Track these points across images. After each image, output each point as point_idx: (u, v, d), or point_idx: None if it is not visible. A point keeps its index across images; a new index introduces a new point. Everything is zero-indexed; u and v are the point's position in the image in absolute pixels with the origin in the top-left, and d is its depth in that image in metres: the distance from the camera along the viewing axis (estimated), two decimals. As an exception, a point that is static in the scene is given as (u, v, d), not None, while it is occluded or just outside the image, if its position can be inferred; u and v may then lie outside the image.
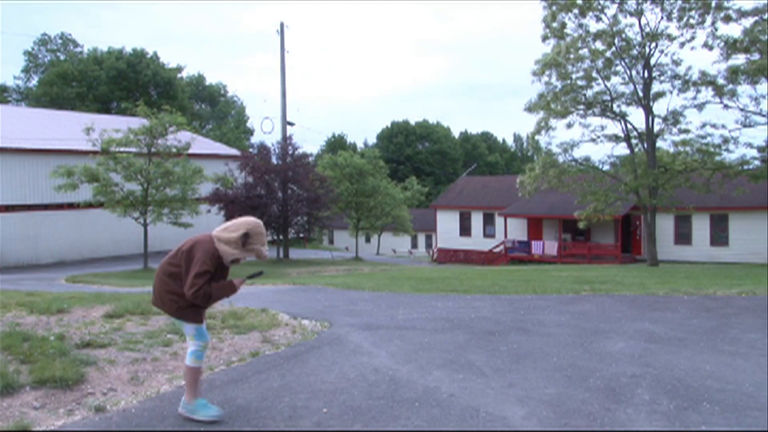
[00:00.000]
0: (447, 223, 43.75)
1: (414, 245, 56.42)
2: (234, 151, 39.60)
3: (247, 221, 4.58)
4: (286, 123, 34.99)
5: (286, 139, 33.19)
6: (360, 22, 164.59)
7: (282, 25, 36.11)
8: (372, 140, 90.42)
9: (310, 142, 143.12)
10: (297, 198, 30.73)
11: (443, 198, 46.71)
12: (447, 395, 4.99)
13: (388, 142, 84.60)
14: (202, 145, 35.90)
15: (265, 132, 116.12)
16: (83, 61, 62.14)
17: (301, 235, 37.87)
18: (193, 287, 4.29)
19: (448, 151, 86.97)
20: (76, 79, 59.38)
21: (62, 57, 64.49)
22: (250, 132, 73.99)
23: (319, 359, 6.29)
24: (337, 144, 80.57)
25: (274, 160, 32.02)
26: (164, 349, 6.53)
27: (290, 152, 32.06)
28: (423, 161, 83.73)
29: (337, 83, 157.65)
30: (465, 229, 42.99)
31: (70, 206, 27.61)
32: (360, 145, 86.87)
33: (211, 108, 73.79)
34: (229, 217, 31.95)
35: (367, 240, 54.53)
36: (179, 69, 67.54)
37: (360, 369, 5.87)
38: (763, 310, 8.74)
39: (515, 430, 4.26)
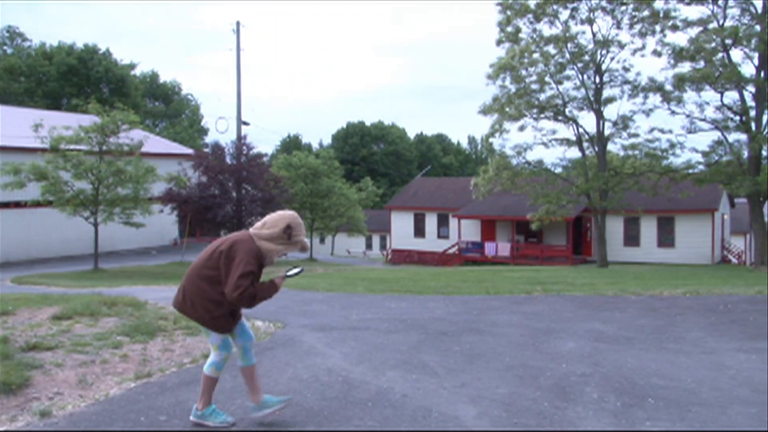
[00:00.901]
0: (401, 224, 43.94)
1: (368, 246, 56.47)
2: (188, 151, 39.04)
3: (284, 214, 4.46)
4: (241, 122, 34.66)
5: (240, 139, 32.89)
6: (317, 22, 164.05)
7: (238, 24, 35.77)
8: (327, 141, 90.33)
9: (265, 143, 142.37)
10: (251, 198, 30.46)
11: (398, 199, 46.89)
12: (400, 395, 5.03)
13: (343, 143, 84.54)
14: (155, 143, 35.32)
15: (219, 131, 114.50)
16: (32, 55, 60.44)
17: (256, 235, 37.54)
18: (238, 288, 4.09)
19: (403, 152, 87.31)
20: (24, 74, 57.68)
21: (9, 51, 62.64)
22: (205, 131, 72.97)
23: (272, 360, 6.26)
24: (292, 144, 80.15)
25: (228, 160, 31.68)
26: (114, 351, 6.41)
27: (245, 152, 31.77)
28: (378, 162, 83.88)
29: (293, 83, 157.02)
30: (419, 230, 43.25)
31: (17, 205, 26.81)
32: (315, 145, 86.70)
33: (165, 106, 72.48)
34: (182, 217, 31.55)
35: (322, 241, 54.36)
36: (132, 66, 66.20)
37: (313, 370, 5.88)
38: (706, 309, 9.02)
39: (467, 429, 4.32)
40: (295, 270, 4.50)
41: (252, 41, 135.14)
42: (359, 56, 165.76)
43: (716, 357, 6.22)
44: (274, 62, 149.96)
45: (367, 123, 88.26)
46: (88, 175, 23.18)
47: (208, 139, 68.11)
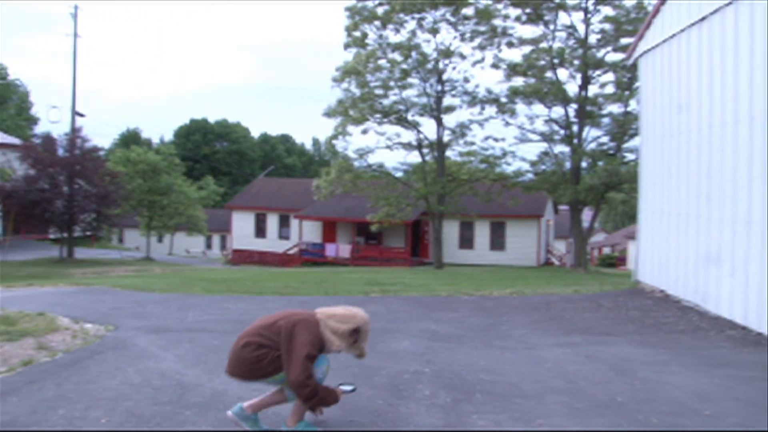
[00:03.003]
0: (242, 224, 43.23)
1: (209, 246, 55.01)
2: (14, 141, 36.06)
3: (357, 314, 4.22)
4: (75, 113, 32.49)
5: (75, 131, 30.86)
6: (163, 16, 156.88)
7: (76, 8, 33.57)
8: (169, 137, 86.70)
9: (102, 136, 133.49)
10: (85, 194, 28.67)
11: (239, 198, 46.08)
12: (236, 398, 4.93)
13: (185, 140, 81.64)
14: (-25, 131, 32.28)
15: (52, 122, 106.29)
16: None
17: (89, 233, 35.37)
18: (305, 372, 3.82)
19: (247, 151, 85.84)
20: None
21: None
22: (35, 121, 67.39)
23: (101, 365, 5.93)
24: (131, 139, 76.01)
25: (60, 153, 29.59)
26: None
27: (79, 145, 29.83)
28: (220, 161, 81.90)
29: (134, 76, 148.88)
30: (260, 231, 42.77)
31: None
32: (156, 141, 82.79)
33: (-12, 91, 66.30)
34: (5, 212, 29.03)
35: (160, 240, 52.19)
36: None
37: (146, 374, 5.63)
38: (529, 308, 9.66)
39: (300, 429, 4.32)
40: (350, 387, 4.36)
41: (93, 28, 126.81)
42: (205, 53, 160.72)
43: (537, 352, 6.67)
44: (115, 53, 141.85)
45: (211, 120, 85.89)
46: None
47: (39, 129, 63.04)
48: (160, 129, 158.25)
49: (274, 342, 4.03)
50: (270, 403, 4.24)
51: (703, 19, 9.06)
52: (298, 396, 3.95)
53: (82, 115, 32.96)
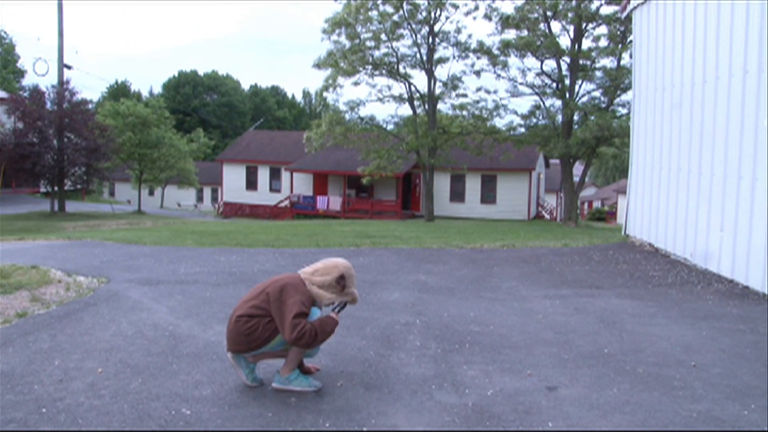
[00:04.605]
0: (233, 177, 43.11)
1: (200, 199, 54.92)
2: (1, 94, 35.50)
3: (338, 263, 4.25)
4: (63, 66, 31.78)
5: (63, 84, 30.27)
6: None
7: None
8: (158, 90, 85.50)
9: (90, 89, 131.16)
10: (74, 147, 28.35)
11: (230, 151, 45.84)
12: (228, 348, 4.98)
13: (175, 93, 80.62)
14: (-43, 83, 31.72)
15: (39, 74, 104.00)
16: None
17: (79, 186, 35.13)
18: (295, 328, 3.85)
19: (237, 104, 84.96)
20: None
21: None
22: (21, 73, 66.11)
23: (94, 317, 5.96)
24: (120, 92, 74.92)
25: (48, 106, 29.17)
26: None
27: (67, 98, 29.36)
28: (211, 113, 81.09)
29: (123, 28, 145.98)
30: (251, 183, 42.69)
31: None
32: (145, 94, 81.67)
33: (-29, 42, 64.96)
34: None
35: (151, 193, 52.04)
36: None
37: (138, 325, 5.66)
38: (520, 260, 9.74)
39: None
40: (338, 304, 4.30)
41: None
42: (193, 6, 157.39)
43: (526, 304, 6.74)
44: (101, 6, 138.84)
45: (201, 73, 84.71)
46: None
47: (26, 82, 61.99)
48: (149, 82, 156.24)
49: (265, 310, 4.06)
50: (270, 356, 4.31)
51: (699, -30, 8.93)
52: (301, 347, 4.01)
53: (69, 68, 32.27)
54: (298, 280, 4.17)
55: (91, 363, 4.63)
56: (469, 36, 28.11)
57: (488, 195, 36.88)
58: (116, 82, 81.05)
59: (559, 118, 26.94)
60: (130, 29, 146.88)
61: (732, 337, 5.45)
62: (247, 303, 4.15)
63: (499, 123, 29.00)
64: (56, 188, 29.31)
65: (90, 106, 32.35)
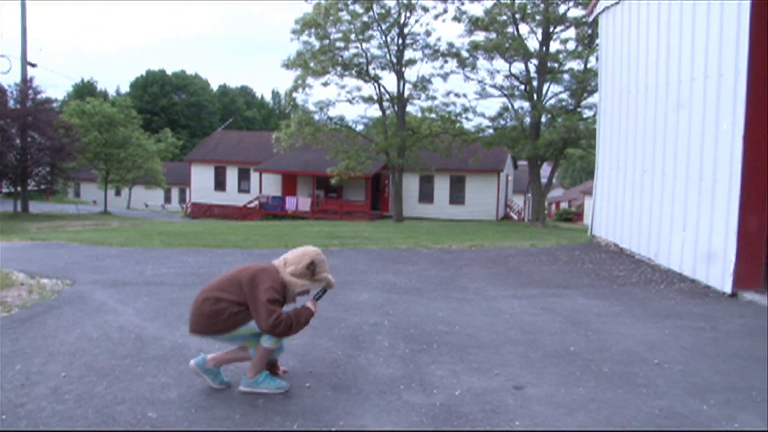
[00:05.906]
0: (202, 177, 42.73)
1: (167, 199, 54.31)
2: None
3: (306, 250, 4.22)
4: (26, 63, 31.21)
5: (26, 82, 29.73)
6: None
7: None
8: (125, 89, 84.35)
9: (55, 87, 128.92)
10: (38, 146, 27.88)
11: (198, 151, 45.42)
12: (196, 351, 4.93)
13: (142, 92, 79.57)
14: None
15: (1, 72, 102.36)
16: None
17: (43, 187, 34.55)
18: (271, 315, 3.84)
19: (206, 104, 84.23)
20: None
21: None
22: (-18, 70, 65.05)
23: (58, 320, 5.86)
24: (86, 90, 73.68)
25: (11, 104, 28.63)
26: None
27: (31, 96, 28.88)
28: (179, 113, 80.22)
29: (89, 26, 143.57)
30: (220, 184, 42.37)
31: None
32: (112, 93, 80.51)
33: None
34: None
35: (117, 193, 51.28)
36: None
37: (104, 328, 5.58)
38: (488, 260, 9.81)
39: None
40: (321, 292, 4.31)
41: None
42: (161, 4, 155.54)
43: (494, 303, 6.80)
44: (66, 3, 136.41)
45: (169, 72, 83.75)
46: None
47: (-13, 79, 60.73)
48: (116, 81, 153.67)
49: (234, 296, 4.03)
50: (232, 359, 4.26)
51: (663, -25, 9.09)
52: (276, 336, 4.01)
53: (33, 65, 31.70)
54: (272, 267, 4.18)
55: (55, 367, 4.55)
56: (438, 39, 28.36)
57: (457, 196, 37.08)
58: (82, 81, 79.84)
59: (527, 119, 27.20)
60: (96, 27, 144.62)
61: (693, 335, 5.56)
62: (217, 285, 4.14)
63: (468, 125, 29.23)
64: (19, 188, 28.79)
65: (55, 104, 31.90)
